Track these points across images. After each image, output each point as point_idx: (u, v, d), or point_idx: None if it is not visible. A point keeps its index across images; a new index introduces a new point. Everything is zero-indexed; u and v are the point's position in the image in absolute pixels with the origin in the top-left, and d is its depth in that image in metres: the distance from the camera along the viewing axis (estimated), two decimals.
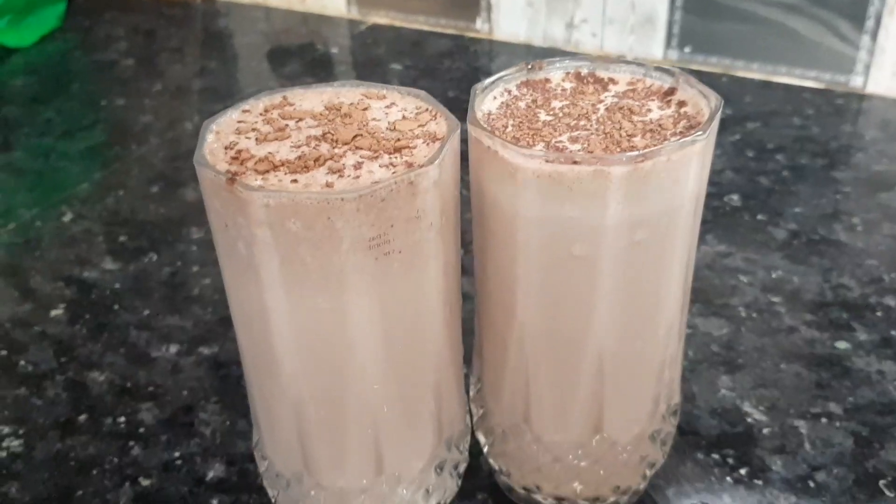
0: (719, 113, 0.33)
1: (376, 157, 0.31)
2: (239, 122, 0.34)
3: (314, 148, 0.32)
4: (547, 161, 0.31)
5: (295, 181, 0.30)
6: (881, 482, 0.43)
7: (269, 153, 0.31)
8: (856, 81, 0.82)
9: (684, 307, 0.37)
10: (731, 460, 0.44)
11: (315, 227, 0.29)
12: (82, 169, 0.75)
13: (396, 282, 0.31)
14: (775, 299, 0.56)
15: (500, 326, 0.37)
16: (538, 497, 0.41)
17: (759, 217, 0.64)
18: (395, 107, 0.35)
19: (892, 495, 0.42)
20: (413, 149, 0.31)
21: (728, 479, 0.43)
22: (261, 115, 0.34)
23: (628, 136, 0.33)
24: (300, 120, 0.34)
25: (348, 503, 0.37)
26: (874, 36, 0.79)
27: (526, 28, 0.96)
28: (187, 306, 0.57)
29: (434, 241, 0.32)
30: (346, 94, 0.36)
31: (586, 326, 0.35)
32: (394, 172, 0.30)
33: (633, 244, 0.32)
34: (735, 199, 0.67)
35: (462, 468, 0.40)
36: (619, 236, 0.32)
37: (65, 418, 0.49)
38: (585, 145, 0.33)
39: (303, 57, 0.97)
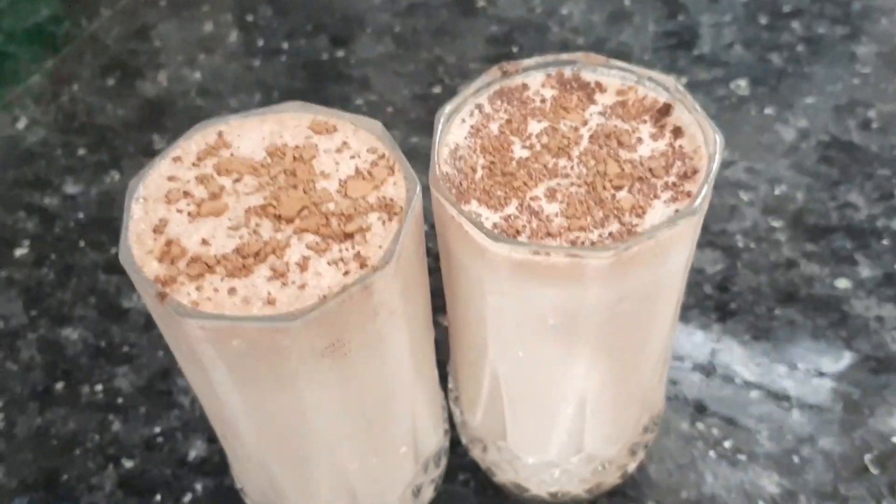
0: (716, 165, 0.29)
1: (325, 250, 0.27)
2: (169, 178, 0.30)
3: (254, 231, 0.28)
4: (515, 250, 0.27)
5: (233, 290, 0.26)
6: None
7: (204, 240, 0.27)
8: None
9: (671, 338, 0.34)
10: (716, 432, 0.44)
11: (260, 345, 0.26)
12: (32, 54, 0.69)
13: (357, 374, 0.29)
14: (776, 224, 0.52)
15: (472, 362, 0.35)
16: (517, 492, 0.41)
17: (767, 111, 0.59)
18: (346, 149, 0.30)
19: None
20: (366, 231, 0.27)
21: (711, 453, 0.43)
22: (193, 164, 0.30)
23: (613, 188, 0.29)
24: (238, 179, 0.29)
25: None
26: None
27: None
28: None
29: (397, 324, 0.29)
30: (290, 125, 0.31)
31: (564, 379, 0.32)
32: (345, 272, 0.26)
33: (614, 315, 0.29)
34: (743, 85, 0.61)
35: (440, 479, 0.40)
36: (599, 311, 0.29)
37: (42, 387, 0.48)
38: (564, 204, 0.29)
39: None
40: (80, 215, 0.57)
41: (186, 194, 0.29)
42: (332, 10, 0.73)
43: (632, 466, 0.39)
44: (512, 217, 0.28)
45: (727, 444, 0.43)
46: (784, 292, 0.49)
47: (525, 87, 0.32)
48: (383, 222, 0.28)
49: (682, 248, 0.28)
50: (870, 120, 0.58)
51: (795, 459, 0.42)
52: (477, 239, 0.28)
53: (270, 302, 0.26)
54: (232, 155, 0.30)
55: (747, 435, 0.43)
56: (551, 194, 0.29)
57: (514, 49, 0.66)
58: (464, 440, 0.40)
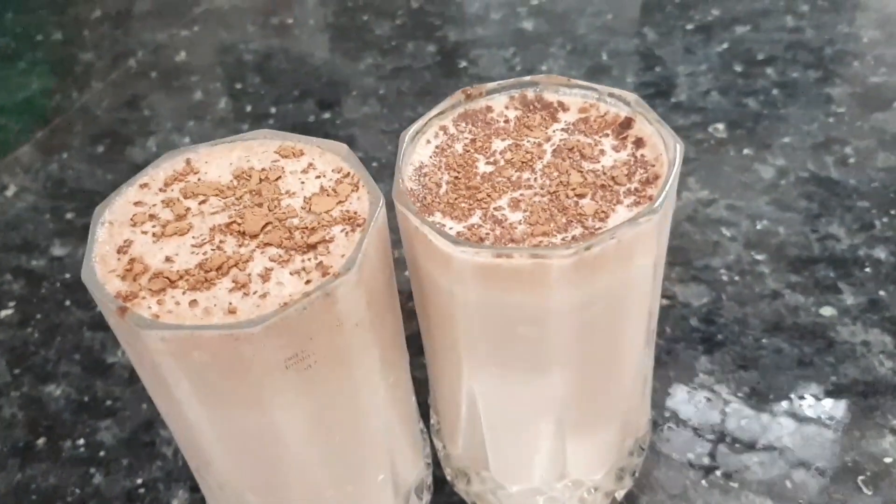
0: (677, 167, 0.29)
1: (287, 261, 0.27)
2: (136, 204, 0.30)
3: (218, 247, 0.28)
4: (478, 252, 0.27)
5: (194, 303, 0.26)
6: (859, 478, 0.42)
7: (167, 258, 0.28)
8: None
9: (649, 353, 0.34)
10: (706, 460, 0.43)
11: (222, 356, 0.26)
12: (22, 126, 0.70)
13: (325, 388, 0.28)
14: (759, 257, 0.52)
15: (449, 383, 0.34)
16: None
17: (746, 151, 0.60)
18: (312, 170, 0.31)
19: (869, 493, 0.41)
20: (329, 242, 0.28)
21: (703, 483, 0.42)
22: (161, 190, 0.30)
23: (576, 196, 0.29)
24: (204, 200, 0.30)
25: None
26: None
27: None
28: None
29: (364, 336, 0.29)
30: (258, 151, 0.32)
31: (540, 395, 0.32)
32: (307, 282, 0.27)
33: (583, 322, 0.29)
34: (720, 128, 0.62)
35: None
36: (568, 317, 0.29)
37: (23, 443, 0.47)
38: (527, 213, 0.29)
39: None
40: (67, 276, 0.57)
41: (152, 217, 0.29)
42: (318, 77, 0.75)
43: (620, 493, 0.38)
44: (475, 226, 0.29)
45: (719, 472, 0.42)
46: (770, 322, 0.49)
47: (489, 109, 0.33)
48: (346, 234, 0.28)
49: (646, 250, 0.28)
50: (847, 156, 0.59)
51: (788, 485, 0.41)
52: (441, 247, 0.28)
53: (231, 311, 0.26)
54: (199, 180, 0.30)
55: (739, 462, 0.42)
56: (515, 204, 0.29)
57: None
58: (448, 474, 0.40)
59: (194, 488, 0.44)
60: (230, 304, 0.26)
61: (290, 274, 0.27)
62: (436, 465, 0.41)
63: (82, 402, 0.49)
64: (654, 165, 0.30)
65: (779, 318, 0.49)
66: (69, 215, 0.62)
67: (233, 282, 0.27)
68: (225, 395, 0.27)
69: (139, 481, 0.45)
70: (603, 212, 0.28)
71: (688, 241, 0.54)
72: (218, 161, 0.31)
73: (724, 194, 0.57)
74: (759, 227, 0.54)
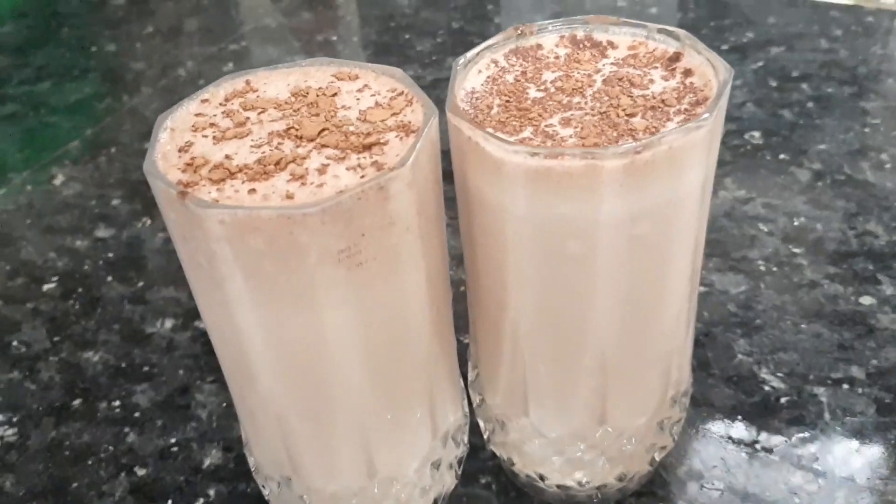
0: (728, 87, 0.30)
1: (343, 158, 0.28)
2: (196, 115, 0.31)
3: (276, 147, 0.29)
4: (532, 155, 0.28)
5: (253, 191, 0.27)
6: None
7: (227, 156, 0.28)
8: None
9: (693, 294, 0.34)
10: (745, 434, 0.42)
11: (277, 242, 0.26)
12: (73, 124, 0.73)
13: (373, 291, 0.29)
14: (797, 250, 0.52)
15: (493, 319, 0.35)
16: (542, 485, 0.39)
17: (782, 156, 0.60)
18: (367, 90, 0.32)
19: None
20: (384, 145, 0.28)
21: (743, 454, 0.41)
22: (221, 105, 0.31)
23: (627, 115, 0.30)
24: (263, 111, 0.31)
25: None
26: None
27: None
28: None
29: (413, 244, 0.29)
30: (315, 74, 0.33)
31: (585, 323, 0.32)
32: (362, 176, 0.27)
33: (632, 239, 0.29)
34: (756, 136, 0.63)
35: (461, 459, 0.38)
36: (617, 232, 0.29)
37: (59, 403, 0.48)
38: (578, 129, 0.29)
39: None
40: (110, 255, 0.58)
41: (213, 125, 0.30)
42: None
43: (659, 454, 0.38)
44: (527, 139, 0.29)
45: (759, 445, 0.42)
46: (809, 309, 0.48)
47: (539, 46, 0.34)
48: (401, 139, 0.29)
49: (696, 163, 0.29)
50: (883, 161, 0.59)
51: (830, 459, 0.41)
52: (493, 153, 0.28)
53: (289, 197, 0.26)
54: (258, 97, 0.32)
55: (779, 437, 0.42)
56: (566, 122, 0.30)
57: None
58: (485, 429, 0.39)
59: (227, 448, 0.44)
60: (288, 191, 0.27)
61: (347, 169, 0.27)
62: (471, 432, 0.41)
63: (119, 368, 0.50)
64: (702, 90, 0.30)
65: (818, 305, 0.49)
66: (115, 202, 0.63)
67: (291, 174, 0.27)
68: (277, 289, 0.28)
69: (172, 440, 0.45)
70: (654, 127, 0.29)
71: (725, 234, 0.54)
72: (276, 82, 0.32)
73: (761, 193, 0.57)
74: (796, 223, 0.54)
